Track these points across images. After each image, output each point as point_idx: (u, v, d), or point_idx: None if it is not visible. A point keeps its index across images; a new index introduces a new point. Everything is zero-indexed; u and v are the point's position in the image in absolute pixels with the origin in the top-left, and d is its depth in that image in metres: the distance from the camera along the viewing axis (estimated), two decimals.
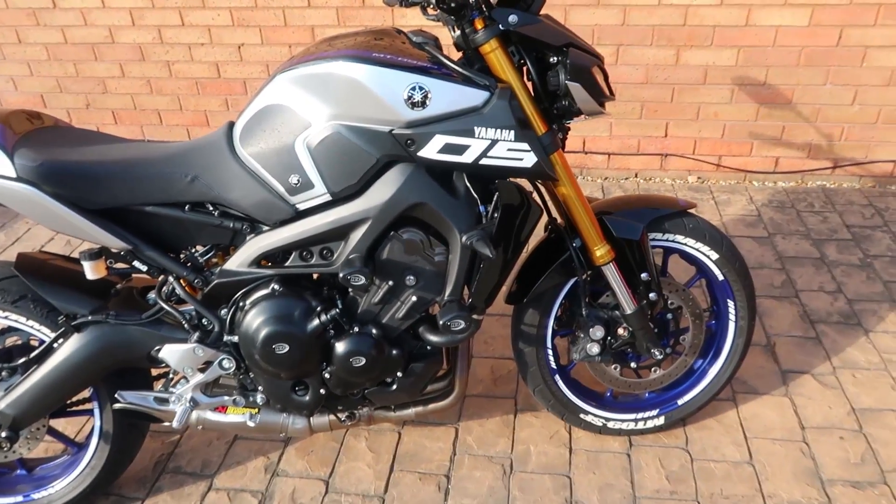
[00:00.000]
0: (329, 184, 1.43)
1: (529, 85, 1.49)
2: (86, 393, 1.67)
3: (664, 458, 1.88)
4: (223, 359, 1.57)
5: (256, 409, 1.67)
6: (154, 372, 1.76)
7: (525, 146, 1.42)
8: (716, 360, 1.88)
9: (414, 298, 1.54)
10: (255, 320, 1.50)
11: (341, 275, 1.45)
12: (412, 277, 1.52)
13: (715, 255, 1.76)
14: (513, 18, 1.41)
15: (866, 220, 2.92)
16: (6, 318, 1.55)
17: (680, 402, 1.90)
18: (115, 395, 1.60)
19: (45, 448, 1.95)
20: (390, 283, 1.52)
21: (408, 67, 1.37)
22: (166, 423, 1.67)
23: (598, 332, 1.73)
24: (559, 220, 1.71)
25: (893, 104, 3.02)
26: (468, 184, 1.48)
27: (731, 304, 1.82)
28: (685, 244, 1.74)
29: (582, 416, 1.88)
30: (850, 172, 3.20)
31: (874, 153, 3.15)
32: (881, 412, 1.99)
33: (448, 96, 1.38)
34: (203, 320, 1.58)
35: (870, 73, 2.97)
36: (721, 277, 1.79)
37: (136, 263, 1.53)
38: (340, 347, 1.54)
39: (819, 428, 1.95)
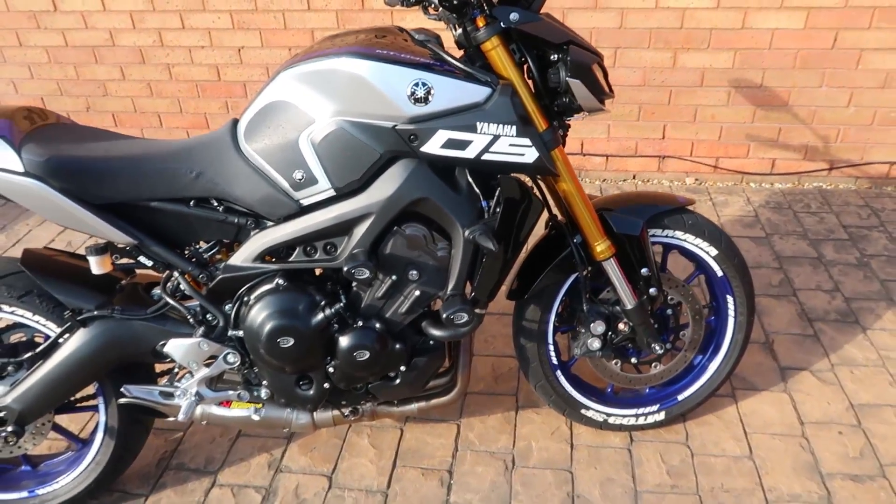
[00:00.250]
0: (333, 179, 1.45)
1: (530, 82, 1.51)
2: (90, 389, 1.68)
3: (665, 453, 1.89)
4: (228, 353, 1.58)
5: (261, 404, 1.69)
6: (157, 369, 1.77)
7: (527, 141, 1.44)
8: (715, 355, 1.90)
9: (417, 293, 1.55)
10: (261, 314, 1.51)
11: (345, 269, 1.46)
12: (415, 272, 1.53)
13: (714, 252, 1.78)
14: (514, 16, 1.44)
15: (863, 221, 2.94)
16: (12, 312, 1.56)
17: (680, 397, 1.92)
18: (121, 390, 1.61)
19: (49, 445, 1.95)
20: (393, 277, 1.54)
21: (411, 64, 1.39)
22: (170, 419, 1.68)
23: (599, 327, 1.75)
24: (559, 216, 1.73)
25: (888, 106, 3.05)
26: (470, 179, 1.50)
27: (730, 299, 1.84)
28: (684, 240, 1.76)
29: (583, 411, 1.90)
30: (846, 174, 3.23)
31: (870, 154, 3.18)
32: (879, 407, 2.01)
33: (451, 92, 1.40)
34: (208, 315, 1.59)
35: (865, 76, 3.00)
36: (720, 273, 1.81)
37: (142, 259, 1.55)
38: (344, 341, 1.55)
39: (818, 423, 1.97)
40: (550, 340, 1.82)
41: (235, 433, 2.00)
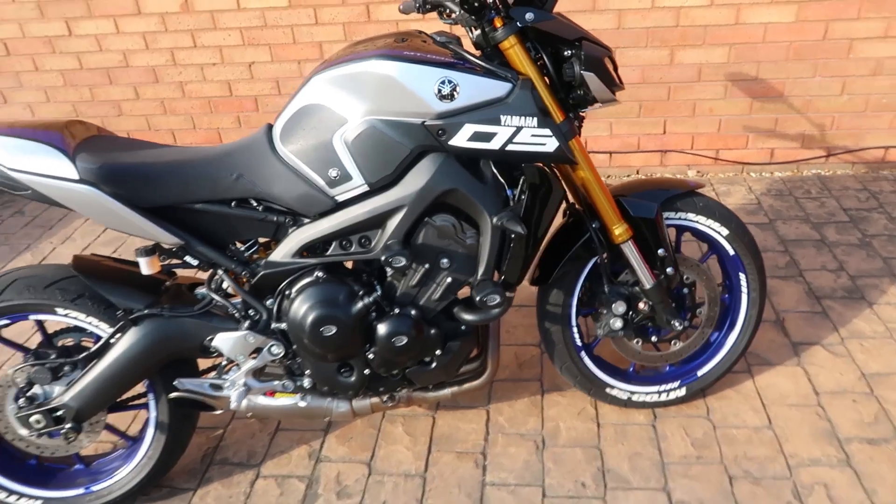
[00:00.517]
0: (366, 175, 1.54)
1: (546, 78, 1.61)
2: (140, 388, 1.76)
3: (688, 427, 1.97)
4: (272, 345, 1.66)
5: (304, 394, 1.77)
6: (200, 367, 1.85)
7: (547, 132, 1.54)
8: (731, 331, 1.99)
9: (449, 280, 1.64)
10: (303, 306, 1.60)
11: (383, 258, 1.55)
12: (446, 260, 1.62)
13: (725, 231, 1.87)
14: (529, 16, 1.54)
15: (862, 203, 3.04)
16: (66, 315, 1.64)
17: (700, 373, 2.00)
18: (174, 383, 1.69)
19: (95, 448, 2.03)
20: (426, 266, 1.63)
21: (437, 63, 1.49)
22: (217, 413, 1.76)
23: (620, 307, 1.83)
24: (577, 204, 1.82)
25: (880, 93, 3.16)
26: (494, 170, 1.59)
27: (742, 277, 1.93)
28: (697, 221, 1.85)
29: (608, 390, 1.98)
30: (843, 160, 3.34)
31: (865, 140, 3.29)
32: (890, 376, 2.09)
33: (475, 88, 1.50)
34: (251, 310, 1.68)
35: (856, 65, 3.11)
36: (732, 252, 1.90)
37: (188, 259, 1.64)
38: (382, 329, 1.64)
39: (832, 393, 2.05)
40: (574, 323, 1.90)
41: (274, 428, 2.08)
